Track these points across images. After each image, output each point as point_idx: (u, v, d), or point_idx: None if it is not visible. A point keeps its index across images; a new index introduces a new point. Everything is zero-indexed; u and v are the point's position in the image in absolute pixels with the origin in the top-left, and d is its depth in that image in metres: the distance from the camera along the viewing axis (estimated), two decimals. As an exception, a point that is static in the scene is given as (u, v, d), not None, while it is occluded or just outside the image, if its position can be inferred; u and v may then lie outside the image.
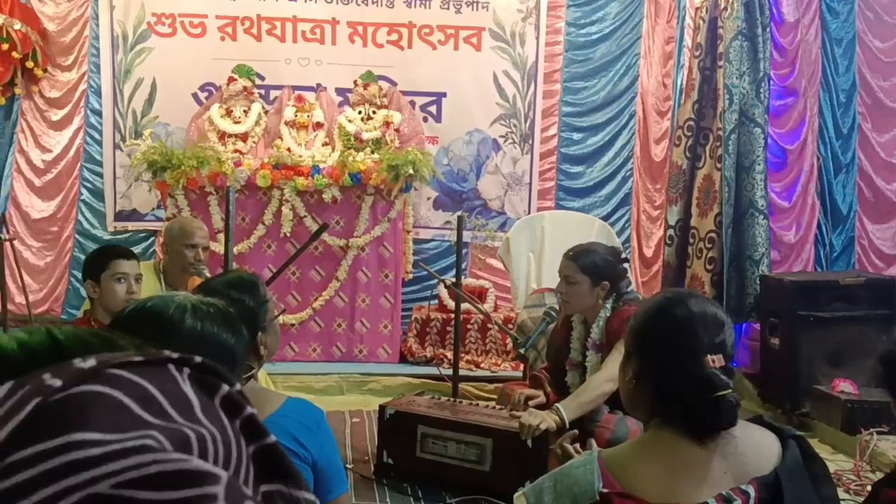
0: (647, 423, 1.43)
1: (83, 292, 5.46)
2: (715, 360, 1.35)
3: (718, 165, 4.79)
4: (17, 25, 5.42)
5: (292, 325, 5.17)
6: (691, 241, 4.97)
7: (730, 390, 1.35)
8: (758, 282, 4.75)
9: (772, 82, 4.94)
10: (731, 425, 1.34)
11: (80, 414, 0.36)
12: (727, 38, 4.78)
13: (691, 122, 4.97)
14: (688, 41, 5.53)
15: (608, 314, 2.94)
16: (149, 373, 0.39)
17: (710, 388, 1.33)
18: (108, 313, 2.78)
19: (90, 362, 0.38)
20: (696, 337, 1.37)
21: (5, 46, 5.37)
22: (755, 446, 1.37)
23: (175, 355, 0.41)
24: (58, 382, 0.37)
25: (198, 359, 0.41)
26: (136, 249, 5.74)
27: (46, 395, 0.36)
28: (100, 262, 2.80)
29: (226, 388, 0.42)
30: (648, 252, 5.79)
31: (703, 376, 1.34)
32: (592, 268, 2.93)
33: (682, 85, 5.54)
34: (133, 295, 2.79)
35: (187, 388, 0.40)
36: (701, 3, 4.99)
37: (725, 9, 4.81)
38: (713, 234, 4.83)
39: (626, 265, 3.09)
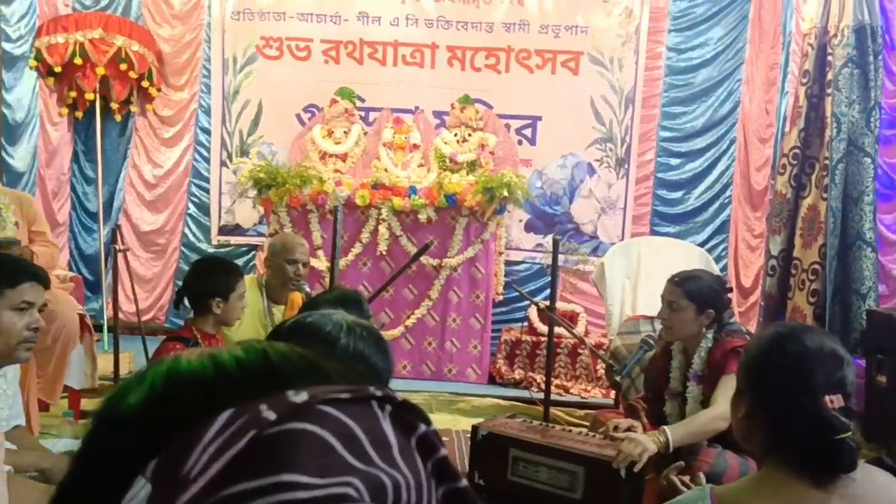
0: (762, 459, 1.39)
1: (187, 303, 5.71)
2: (834, 401, 1.30)
3: (824, 195, 4.65)
4: (135, 47, 5.72)
5: (384, 341, 5.25)
6: (794, 272, 4.82)
7: (850, 433, 1.29)
8: (864, 316, 4.56)
9: (883, 111, 4.77)
10: (851, 470, 1.29)
11: (290, 453, 0.38)
12: (837, 65, 4.64)
13: (797, 151, 4.84)
14: (793, 67, 5.40)
15: (710, 345, 2.88)
16: (353, 410, 0.41)
17: (828, 431, 1.28)
18: (216, 327, 2.91)
19: (302, 396, 0.40)
20: (814, 375, 1.31)
21: (123, 67, 5.68)
22: (877, 490, 1.31)
23: (379, 393, 0.42)
24: (272, 416, 0.39)
25: (399, 397, 0.43)
26: (238, 263, 5.96)
27: (261, 429, 0.38)
28: (231, 281, 2.93)
29: (422, 427, 0.43)
30: (747, 282, 5.65)
31: (822, 418, 1.29)
32: (698, 294, 2.88)
33: (786, 112, 5.41)
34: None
35: (387, 428, 0.41)
36: (809, 30, 4.87)
37: (835, 35, 4.68)
38: (817, 266, 4.67)
39: (730, 295, 3.03)
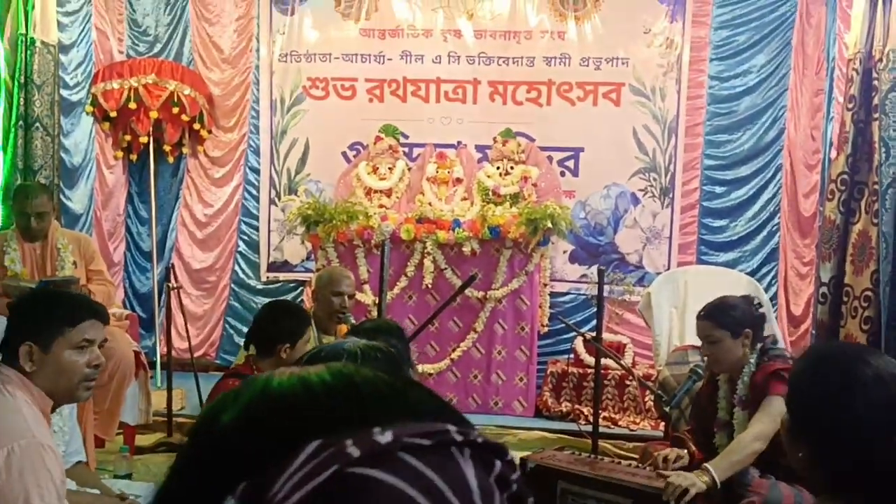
0: (823, 492, 1.29)
1: (237, 339, 5.82)
2: None
3: (875, 220, 4.57)
4: (187, 91, 5.91)
5: (430, 374, 5.28)
6: (845, 299, 4.73)
7: None
8: (920, 344, 4.45)
9: (933, 134, 4.68)
10: None
11: (367, 499, 0.40)
12: (883, 89, 4.59)
13: (845, 176, 4.77)
14: (837, 93, 5.35)
15: (753, 369, 2.87)
16: (435, 460, 0.42)
17: None
18: (276, 367, 2.95)
19: (387, 437, 0.42)
20: (880, 413, 1.19)
21: (175, 110, 5.85)
22: None
23: (459, 437, 0.43)
24: (356, 453, 0.41)
25: (478, 437, 0.44)
26: (286, 299, 6.06)
27: (344, 465, 0.40)
28: (302, 328, 2.93)
29: (498, 464, 0.44)
30: (797, 310, 5.55)
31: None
32: (728, 320, 2.87)
33: (832, 138, 5.35)
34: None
35: (468, 472, 0.43)
36: (853, 55, 4.83)
37: (880, 60, 4.63)
38: (869, 293, 4.58)
39: (762, 310, 3.00)
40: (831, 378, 1.26)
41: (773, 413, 2.69)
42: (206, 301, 6.18)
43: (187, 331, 4.79)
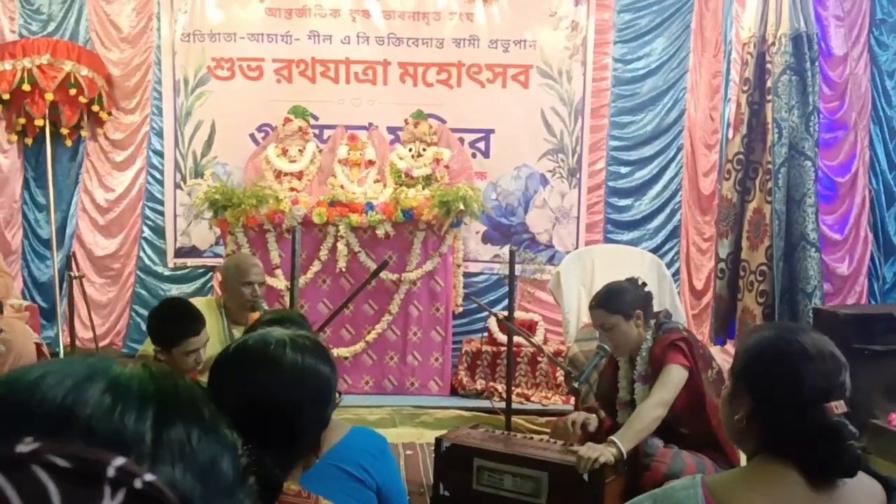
0: (754, 454, 1.37)
1: (143, 327, 5.64)
2: (837, 407, 1.28)
3: (769, 198, 4.80)
4: (84, 71, 5.68)
5: (346, 357, 5.28)
6: (742, 273, 4.97)
7: (856, 439, 1.28)
8: (811, 315, 4.72)
9: (821, 115, 4.95)
10: (853, 475, 1.28)
11: None
12: (775, 72, 4.81)
13: (740, 156, 5.00)
14: (735, 76, 5.57)
15: (650, 345, 2.98)
16: (70, 485, 0.38)
17: (837, 439, 1.26)
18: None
19: (29, 447, 0.39)
20: (818, 382, 1.30)
21: (73, 92, 5.62)
22: (863, 494, 1.31)
23: (112, 474, 0.39)
24: None
25: (146, 478, 0.40)
26: (195, 285, 5.94)
27: None
28: (172, 336, 2.67)
29: None
30: (699, 284, 5.80)
31: (830, 426, 1.27)
32: (617, 304, 2.96)
33: (729, 118, 5.57)
34: (200, 364, 2.72)
35: None
36: (748, 39, 5.04)
37: (773, 44, 4.85)
38: (764, 267, 4.83)
39: (647, 289, 3.11)
40: (783, 347, 1.37)
41: (672, 380, 2.81)
42: (111, 289, 5.99)
43: (91, 320, 4.64)
